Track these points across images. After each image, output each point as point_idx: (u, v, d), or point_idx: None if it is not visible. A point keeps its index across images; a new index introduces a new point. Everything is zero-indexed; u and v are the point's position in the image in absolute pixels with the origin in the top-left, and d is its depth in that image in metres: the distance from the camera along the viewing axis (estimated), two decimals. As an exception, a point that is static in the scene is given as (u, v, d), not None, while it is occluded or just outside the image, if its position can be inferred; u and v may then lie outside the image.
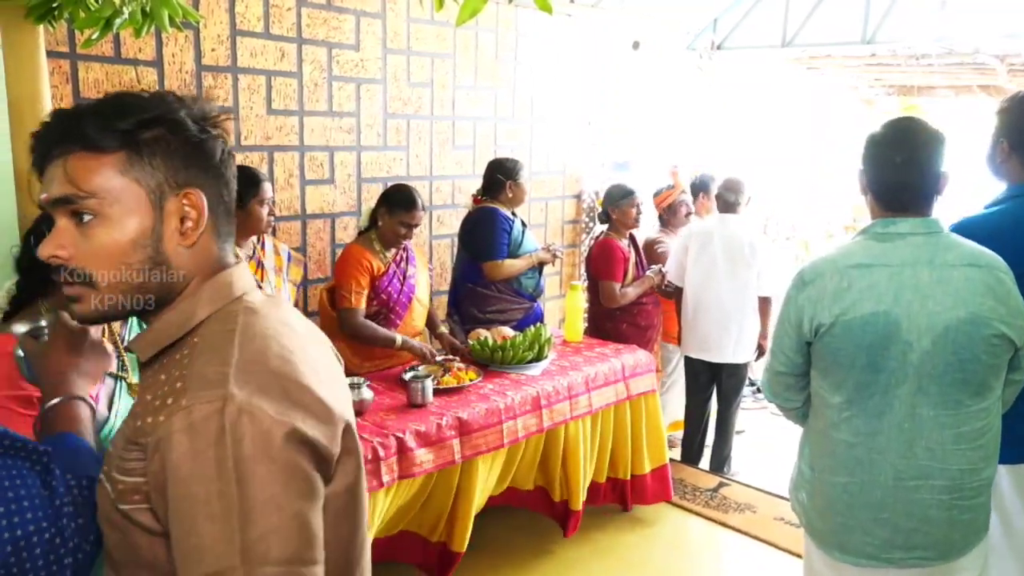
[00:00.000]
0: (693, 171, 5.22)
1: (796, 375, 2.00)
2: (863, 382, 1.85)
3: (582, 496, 3.38)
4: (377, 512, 2.60)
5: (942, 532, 1.88)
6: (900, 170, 1.88)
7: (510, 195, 3.80)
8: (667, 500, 3.80)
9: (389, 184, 3.57)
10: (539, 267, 3.94)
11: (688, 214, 4.83)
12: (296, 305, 3.52)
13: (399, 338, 3.26)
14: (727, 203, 4.32)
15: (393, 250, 3.38)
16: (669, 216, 4.81)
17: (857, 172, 1.99)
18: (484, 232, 3.76)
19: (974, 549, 1.93)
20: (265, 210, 2.90)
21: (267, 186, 2.91)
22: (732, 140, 6.21)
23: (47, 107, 2.66)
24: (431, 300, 3.73)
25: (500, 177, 3.81)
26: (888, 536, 1.88)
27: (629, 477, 3.63)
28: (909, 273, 1.82)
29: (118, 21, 2.03)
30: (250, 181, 2.87)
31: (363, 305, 3.23)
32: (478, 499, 2.95)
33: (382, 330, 3.27)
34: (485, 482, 3.00)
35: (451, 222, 4.51)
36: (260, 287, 1.52)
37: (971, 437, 1.85)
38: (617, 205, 4.12)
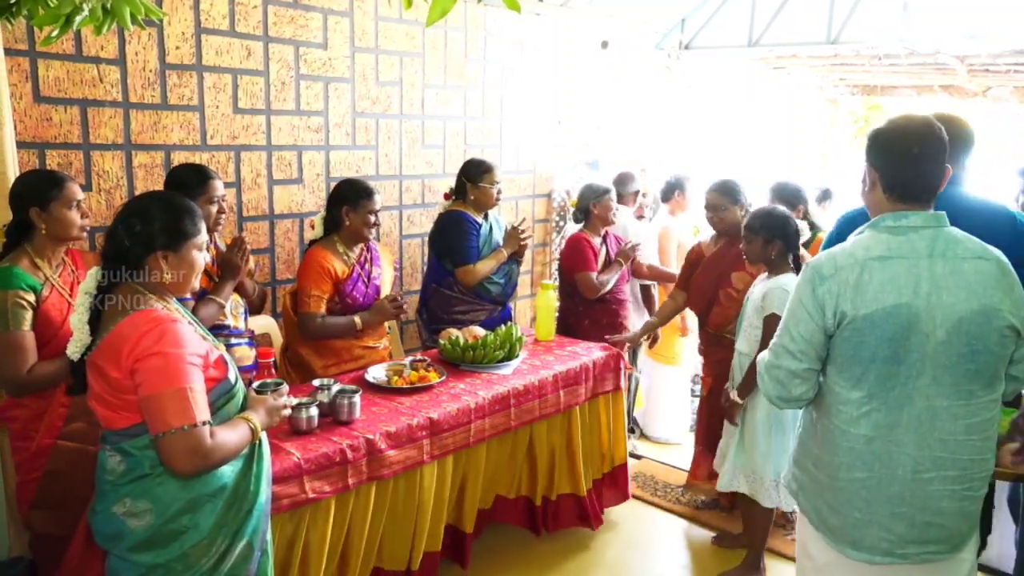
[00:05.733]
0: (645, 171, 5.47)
1: (808, 366, 1.95)
2: (885, 374, 1.86)
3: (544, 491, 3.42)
4: (363, 521, 2.60)
5: (954, 524, 1.91)
6: (916, 161, 1.90)
7: (472, 197, 3.80)
8: (625, 499, 3.81)
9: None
10: (514, 261, 3.93)
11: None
12: (264, 307, 3.48)
13: (357, 320, 3.26)
14: (620, 196, 4.63)
15: (357, 250, 3.35)
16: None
17: (864, 168, 1.99)
18: (451, 239, 3.76)
19: (971, 540, 1.98)
20: (214, 208, 2.85)
21: (216, 183, 2.86)
22: (699, 139, 6.26)
23: (6, 105, 2.61)
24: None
25: (463, 179, 3.81)
26: (904, 531, 1.90)
27: (584, 493, 3.55)
28: (925, 265, 1.85)
29: (78, 18, 1.99)
30: (198, 179, 2.83)
31: (322, 309, 3.20)
32: (448, 501, 2.95)
33: (340, 321, 3.24)
34: (461, 485, 3.00)
35: (421, 221, 4.49)
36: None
37: (981, 428, 1.88)
38: (599, 201, 4.15)
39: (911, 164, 1.90)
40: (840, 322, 1.88)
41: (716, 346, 3.64)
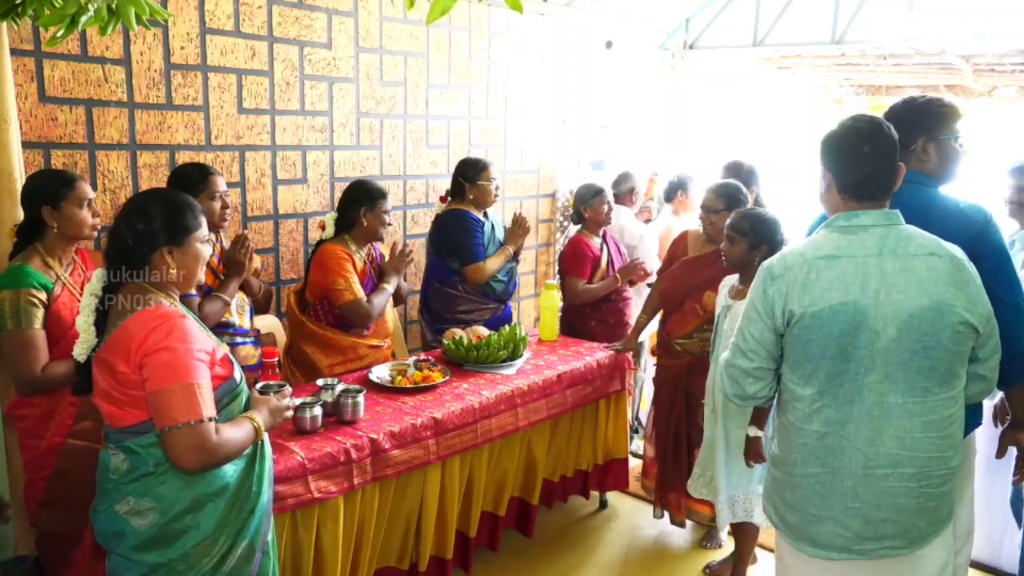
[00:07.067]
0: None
1: (760, 365, 2.00)
2: (833, 371, 1.88)
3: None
4: (367, 519, 2.60)
5: (910, 520, 1.91)
6: (868, 160, 1.92)
7: (471, 197, 3.81)
8: (624, 489, 3.94)
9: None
10: (515, 258, 3.94)
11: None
12: (269, 306, 3.49)
13: (388, 286, 3.34)
14: (617, 196, 4.63)
15: (366, 250, 3.38)
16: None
17: (819, 172, 2.02)
18: (457, 237, 3.76)
19: (938, 537, 1.97)
20: (217, 204, 2.87)
21: (217, 179, 2.87)
22: (704, 139, 6.25)
23: (12, 105, 2.61)
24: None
25: (460, 180, 3.81)
26: (859, 527, 1.91)
27: (592, 468, 3.71)
28: (874, 263, 1.87)
29: (84, 18, 2.00)
30: (199, 175, 2.85)
31: (363, 294, 3.22)
32: (458, 503, 2.96)
33: (381, 297, 3.30)
34: (465, 485, 3.00)
35: (425, 221, 4.50)
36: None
37: (939, 426, 1.88)
38: (590, 203, 4.14)
39: (862, 164, 1.92)
40: (789, 321, 1.92)
41: (665, 351, 3.52)
